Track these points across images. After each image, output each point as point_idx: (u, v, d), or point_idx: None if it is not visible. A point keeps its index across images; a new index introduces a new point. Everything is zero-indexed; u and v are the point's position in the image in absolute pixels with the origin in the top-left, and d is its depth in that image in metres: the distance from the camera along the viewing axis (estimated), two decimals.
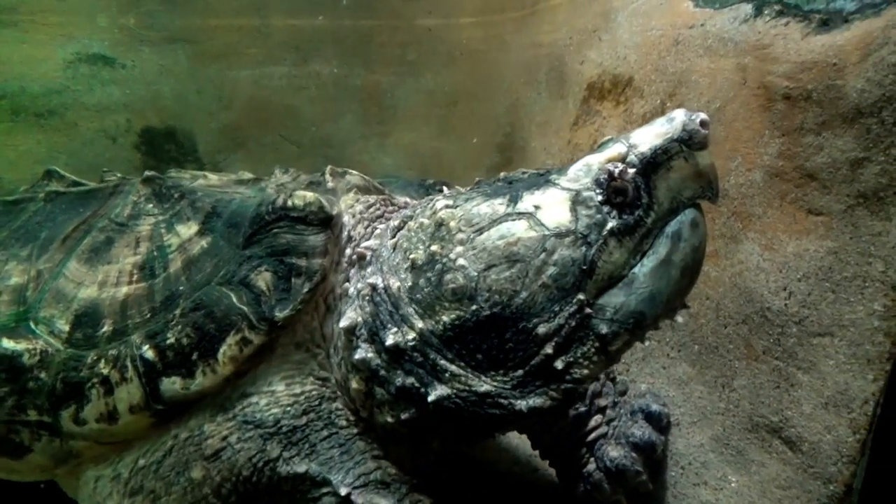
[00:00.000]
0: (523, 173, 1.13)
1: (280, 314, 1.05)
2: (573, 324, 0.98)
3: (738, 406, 1.29)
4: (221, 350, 1.03)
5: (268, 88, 2.53)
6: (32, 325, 1.10)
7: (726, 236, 1.33)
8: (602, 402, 1.40)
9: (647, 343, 1.48)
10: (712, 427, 1.33)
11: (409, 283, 1.05)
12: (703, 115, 1.00)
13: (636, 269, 1.00)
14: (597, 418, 1.38)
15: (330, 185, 1.24)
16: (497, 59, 2.50)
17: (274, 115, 2.55)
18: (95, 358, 1.05)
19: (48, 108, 2.30)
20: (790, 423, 1.19)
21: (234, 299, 1.05)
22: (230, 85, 2.51)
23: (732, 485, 1.27)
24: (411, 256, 1.05)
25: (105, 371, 1.04)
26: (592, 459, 1.35)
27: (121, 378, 1.03)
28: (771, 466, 1.22)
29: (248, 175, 1.49)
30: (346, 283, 1.15)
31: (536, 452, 1.50)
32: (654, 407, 1.38)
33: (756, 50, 1.32)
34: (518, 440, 1.66)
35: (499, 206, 1.04)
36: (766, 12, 1.34)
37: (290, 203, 1.12)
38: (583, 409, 1.38)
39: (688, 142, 0.99)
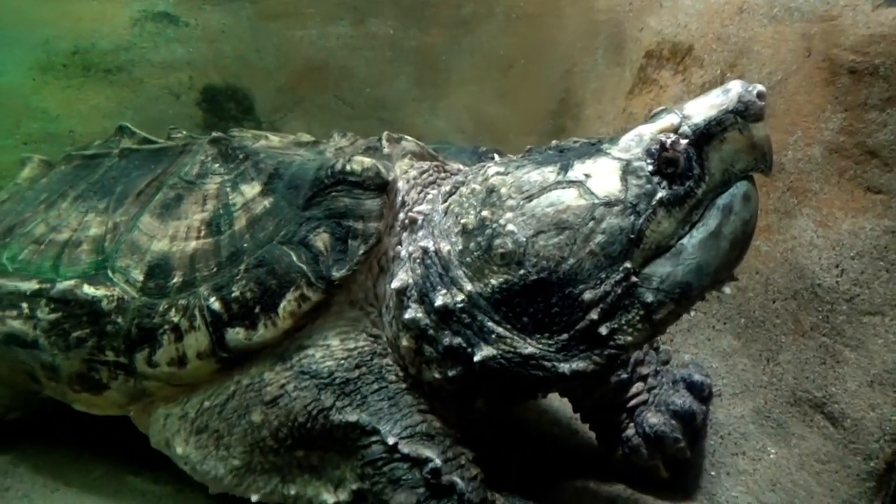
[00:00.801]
0: (575, 142, 1.15)
1: (337, 274, 1.11)
2: (619, 291, 1.00)
3: (782, 380, 1.30)
4: (282, 305, 1.10)
5: (325, 49, 2.56)
6: (110, 274, 1.19)
7: (780, 211, 1.33)
8: (644, 370, 1.42)
9: (692, 314, 1.50)
10: (754, 399, 1.35)
11: (460, 247, 1.09)
12: (760, 87, 0.99)
13: (685, 240, 1.01)
14: (638, 385, 1.41)
15: (386, 150, 1.28)
16: (554, 23, 2.47)
17: (330, 76, 2.58)
18: (167, 307, 1.13)
19: (116, 65, 2.38)
20: (834, 399, 1.20)
21: (294, 258, 1.11)
22: (288, 45, 2.53)
23: (771, 456, 1.29)
24: (462, 221, 1.09)
25: (175, 319, 1.12)
26: (632, 425, 1.39)
27: (190, 326, 1.11)
28: (811, 440, 1.23)
29: (307, 137, 1.54)
30: (399, 246, 1.19)
31: (577, 415, 1.55)
32: (697, 377, 1.40)
33: (823, 21, 1.29)
34: (559, 403, 1.70)
35: (549, 173, 1.06)
36: None
37: (348, 168, 1.17)
38: (625, 376, 1.40)
39: (743, 113, 0.99)
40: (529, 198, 1.05)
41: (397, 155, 1.28)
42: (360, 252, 1.12)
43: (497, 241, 1.05)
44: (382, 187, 1.17)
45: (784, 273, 1.31)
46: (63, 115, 2.34)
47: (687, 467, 1.40)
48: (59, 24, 2.31)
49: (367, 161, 1.17)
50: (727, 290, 1.07)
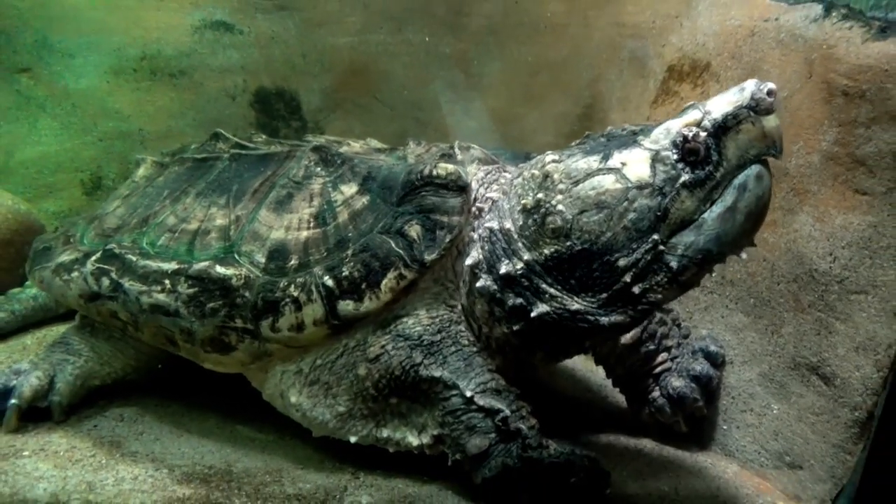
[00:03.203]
0: (623, 129, 1.36)
1: (429, 257, 1.36)
2: (648, 258, 1.23)
3: (784, 349, 1.55)
4: (384, 282, 1.35)
5: (365, 54, 2.74)
6: (237, 257, 1.43)
7: (784, 208, 1.57)
8: (668, 342, 1.67)
9: (709, 296, 1.76)
10: (760, 365, 1.60)
11: (520, 223, 1.34)
12: (770, 85, 1.18)
13: (706, 214, 1.22)
14: (663, 355, 1.66)
15: (459, 157, 1.53)
16: (579, 34, 2.61)
17: (370, 79, 2.77)
18: (287, 283, 1.38)
19: (179, 69, 2.59)
20: (826, 363, 1.46)
21: (393, 245, 1.37)
22: (332, 50, 2.73)
23: (774, 411, 1.55)
24: (522, 202, 1.34)
25: (295, 294, 1.36)
26: (657, 388, 1.63)
27: (307, 299, 1.36)
28: (808, 397, 1.49)
29: (377, 143, 1.81)
30: (472, 233, 1.45)
31: (605, 382, 1.81)
32: (713, 347, 1.65)
33: (822, 48, 1.52)
34: (590, 372, 1.97)
35: (593, 162, 1.29)
36: (833, 14, 1.55)
37: (435, 172, 1.42)
38: (652, 347, 1.65)
39: (755, 108, 1.18)
40: (576, 182, 1.28)
41: (468, 160, 1.54)
42: (447, 240, 1.38)
43: (549, 219, 1.29)
44: (463, 188, 1.43)
45: (787, 260, 1.54)
46: (133, 115, 2.55)
47: (703, 423, 1.65)
48: (129, 32, 2.52)
49: (451, 167, 1.43)
50: (744, 255, 1.27)
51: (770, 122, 1.19)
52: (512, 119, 2.82)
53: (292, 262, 1.41)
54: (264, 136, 1.95)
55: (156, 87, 2.60)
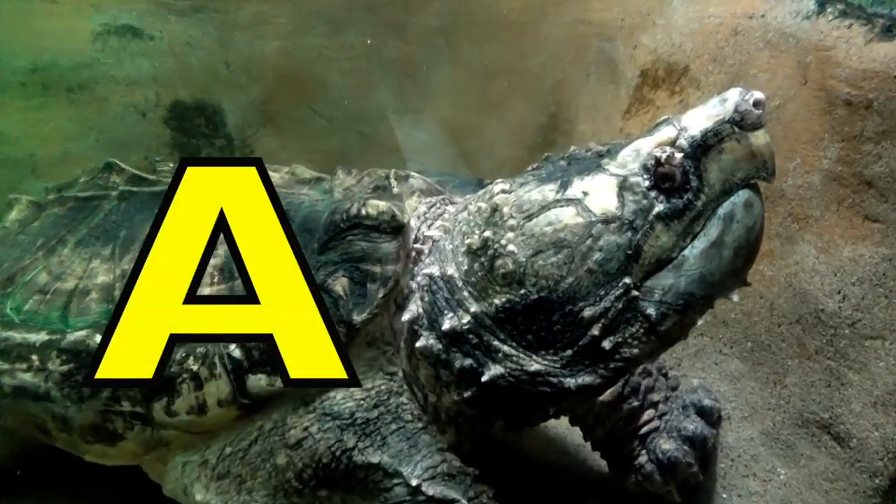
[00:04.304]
0: (587, 150, 1.23)
1: (358, 318, 1.21)
2: (620, 306, 1.10)
3: (789, 402, 1.45)
4: None
5: (298, 60, 2.63)
6: None
7: (782, 237, 1.47)
8: (654, 396, 1.54)
9: (699, 339, 1.64)
10: (763, 422, 1.49)
11: (465, 267, 1.20)
12: (757, 95, 1.05)
13: (686, 252, 1.09)
14: (649, 412, 1.53)
15: (395, 190, 1.38)
16: (539, 32, 2.55)
17: (304, 89, 2.66)
18: (185, 355, 1.21)
19: (78, 83, 2.41)
20: (839, 420, 1.35)
21: None
22: (259, 57, 2.61)
23: (781, 477, 1.44)
24: (467, 241, 1.20)
25: (195, 367, 1.20)
26: (644, 452, 1.50)
27: (210, 374, 1.20)
28: (819, 460, 1.38)
29: (304, 172, 1.63)
30: (412, 282, 1.30)
31: (583, 443, 1.67)
32: (706, 401, 1.52)
33: (818, 50, 1.43)
34: (566, 431, 1.83)
35: (549, 192, 1.15)
36: (828, 10, 1.46)
37: (363, 212, 1.27)
38: (636, 403, 1.52)
39: (740, 123, 1.05)
40: (529, 217, 1.14)
41: (406, 193, 1.39)
42: (380, 295, 1.23)
43: (498, 262, 1.15)
44: (398, 230, 1.27)
45: (788, 298, 1.45)
46: (22, 137, 2.36)
47: (699, 491, 1.52)
48: (15, 40, 2.33)
49: (383, 205, 1.28)
50: (736, 297, 1.14)
51: (758, 138, 1.07)
52: (468, 130, 2.74)
53: None
54: (171, 165, 1.77)
55: (50, 103, 2.42)
